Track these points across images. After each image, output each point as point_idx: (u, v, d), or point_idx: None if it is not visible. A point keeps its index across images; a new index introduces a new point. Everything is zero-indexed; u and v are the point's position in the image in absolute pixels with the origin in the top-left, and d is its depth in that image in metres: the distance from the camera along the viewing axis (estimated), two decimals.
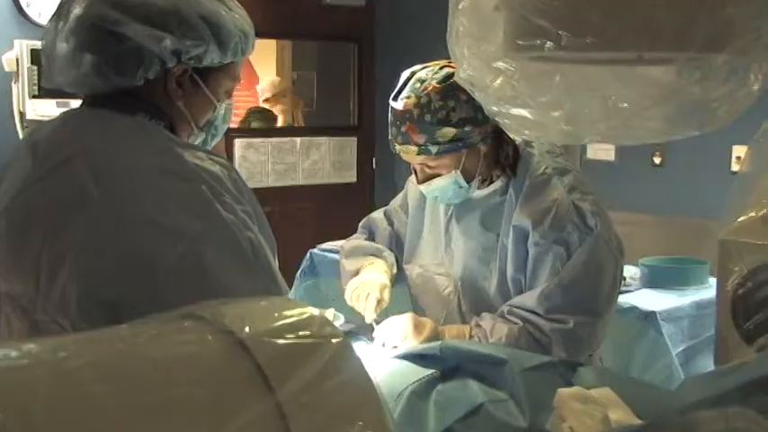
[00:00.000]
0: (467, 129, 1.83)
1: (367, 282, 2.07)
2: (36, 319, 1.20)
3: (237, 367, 0.70)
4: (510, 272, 1.89)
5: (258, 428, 0.67)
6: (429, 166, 1.90)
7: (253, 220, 1.26)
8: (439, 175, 1.90)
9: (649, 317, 3.11)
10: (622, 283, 3.33)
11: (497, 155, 1.92)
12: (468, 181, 1.90)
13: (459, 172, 1.88)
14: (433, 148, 1.84)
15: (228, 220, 1.21)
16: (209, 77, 1.37)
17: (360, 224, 2.34)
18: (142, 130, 1.28)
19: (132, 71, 1.29)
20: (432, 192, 1.95)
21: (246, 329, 0.73)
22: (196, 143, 1.43)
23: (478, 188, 1.96)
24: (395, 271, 2.17)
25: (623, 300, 3.21)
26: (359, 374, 0.76)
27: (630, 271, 3.51)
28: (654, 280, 3.40)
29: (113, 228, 1.18)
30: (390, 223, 2.24)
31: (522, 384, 1.35)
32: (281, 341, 0.74)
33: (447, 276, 2.03)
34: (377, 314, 2.01)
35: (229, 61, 1.38)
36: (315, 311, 0.81)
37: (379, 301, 2.02)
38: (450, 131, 1.82)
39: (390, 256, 2.18)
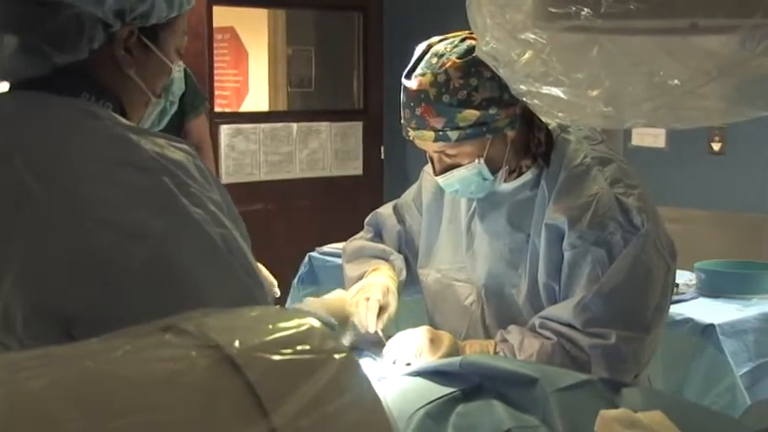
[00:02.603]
0: (491, 111, 1.83)
1: (368, 285, 2.07)
2: None
3: (226, 387, 0.71)
4: (542, 278, 1.89)
5: None
6: (448, 155, 1.91)
7: (224, 212, 1.27)
8: (459, 165, 1.91)
9: (707, 331, 3.11)
10: (675, 291, 3.35)
11: (527, 142, 1.93)
12: (494, 172, 1.91)
13: (483, 161, 1.89)
14: (453, 134, 1.85)
15: (197, 215, 1.22)
16: (157, 37, 1.38)
17: (366, 221, 2.34)
18: (89, 115, 1.27)
19: (74, 44, 1.28)
20: (451, 185, 1.95)
21: (236, 344, 0.74)
22: (155, 114, 1.44)
23: (505, 180, 1.96)
24: (403, 277, 2.18)
25: (676, 310, 3.20)
26: (366, 395, 0.77)
27: (684, 276, 3.50)
28: (712, 287, 3.39)
29: (64, 231, 1.18)
30: (401, 220, 2.25)
31: (557, 407, 1.36)
32: (276, 357, 0.74)
33: (469, 283, 2.03)
34: (381, 323, 2.01)
35: (175, 15, 1.39)
36: (315, 323, 0.82)
37: (383, 308, 2.03)
38: (472, 114, 1.83)
39: (398, 260, 2.19)
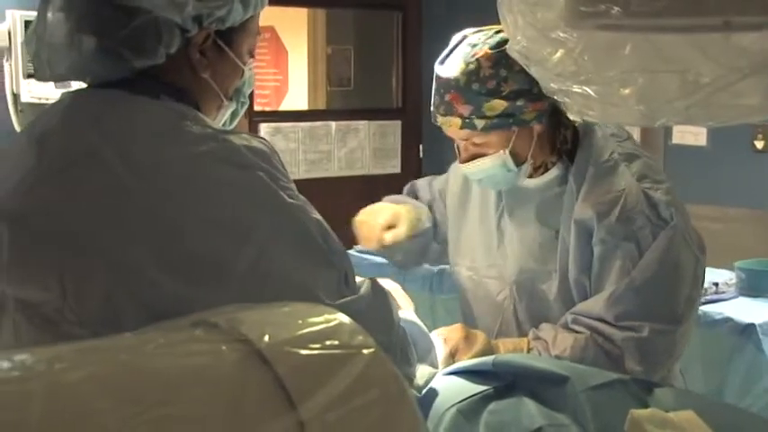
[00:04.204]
0: (519, 103, 1.85)
1: (377, 208, 2.10)
2: (66, 331, 1.19)
3: (255, 381, 0.72)
4: (573, 274, 1.89)
5: None
6: (474, 144, 1.93)
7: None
8: (485, 155, 1.92)
9: (747, 330, 3.08)
10: (715, 289, 3.32)
11: (553, 138, 1.93)
12: (518, 164, 1.92)
13: (507, 153, 1.90)
14: (479, 123, 1.87)
15: (293, 208, 1.23)
16: (232, 39, 1.38)
17: (404, 189, 2.36)
18: (176, 114, 1.27)
19: (152, 48, 1.28)
20: (475, 173, 1.97)
21: (266, 338, 0.76)
22: (227, 115, 1.45)
23: (533, 177, 1.97)
24: (426, 225, 2.18)
25: (716, 309, 3.18)
26: (393, 390, 0.78)
27: (724, 276, 3.48)
28: (753, 286, 3.36)
29: (174, 231, 1.18)
30: (432, 198, 2.27)
31: (588, 406, 1.36)
32: (304, 352, 0.76)
33: (500, 280, 2.04)
34: (387, 243, 2.02)
35: (249, 16, 1.39)
36: (344, 318, 0.83)
37: (391, 227, 2.04)
38: (499, 104, 1.85)
39: (425, 211, 2.20)
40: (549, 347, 1.84)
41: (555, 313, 1.93)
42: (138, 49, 1.28)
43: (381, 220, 2.05)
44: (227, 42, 1.37)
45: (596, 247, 1.85)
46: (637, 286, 1.81)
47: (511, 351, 1.87)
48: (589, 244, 1.86)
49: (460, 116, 1.87)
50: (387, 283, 1.81)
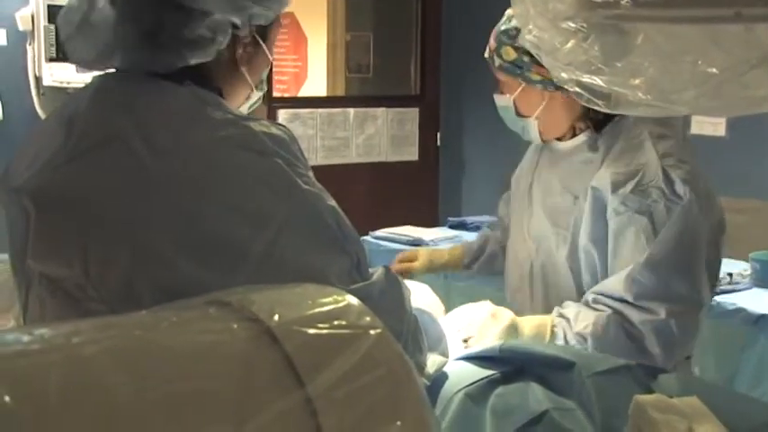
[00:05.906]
0: (525, 59, 1.97)
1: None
2: (88, 308, 1.23)
3: (265, 358, 0.74)
4: (582, 240, 1.92)
5: (285, 425, 0.71)
6: (500, 80, 2.09)
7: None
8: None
9: (760, 321, 3.09)
10: (729, 280, 3.33)
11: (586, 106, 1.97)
12: (522, 116, 2.05)
13: (511, 99, 2.05)
14: (496, 61, 2.04)
15: (310, 196, 1.26)
16: (267, 33, 1.42)
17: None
18: (201, 100, 1.29)
19: (208, 47, 1.31)
20: (498, 106, 2.12)
21: (276, 317, 0.78)
22: (251, 103, 1.48)
23: (562, 140, 2.05)
24: (464, 261, 2.48)
25: (729, 300, 3.19)
26: (399, 369, 0.79)
27: (739, 266, 3.48)
28: (767, 277, 3.36)
29: (192, 215, 1.20)
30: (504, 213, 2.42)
31: (593, 391, 1.38)
32: (313, 331, 0.78)
33: (524, 241, 2.11)
34: (398, 270, 2.37)
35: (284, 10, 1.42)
36: (353, 300, 0.85)
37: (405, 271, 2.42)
38: (511, 52, 2.00)
39: (474, 243, 2.49)
40: (571, 324, 1.86)
41: (563, 278, 1.98)
42: (195, 47, 1.30)
43: (401, 256, 2.52)
44: (263, 37, 1.41)
45: (611, 221, 1.88)
46: (656, 261, 1.82)
47: (534, 328, 1.89)
48: (603, 215, 1.89)
49: (490, 49, 2.05)
50: (418, 286, 1.85)
